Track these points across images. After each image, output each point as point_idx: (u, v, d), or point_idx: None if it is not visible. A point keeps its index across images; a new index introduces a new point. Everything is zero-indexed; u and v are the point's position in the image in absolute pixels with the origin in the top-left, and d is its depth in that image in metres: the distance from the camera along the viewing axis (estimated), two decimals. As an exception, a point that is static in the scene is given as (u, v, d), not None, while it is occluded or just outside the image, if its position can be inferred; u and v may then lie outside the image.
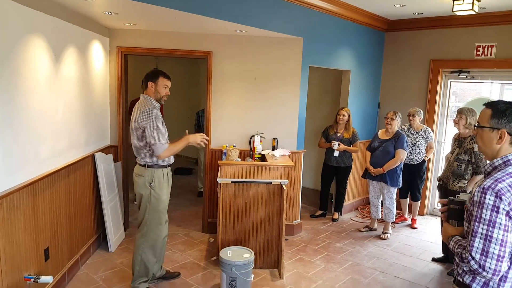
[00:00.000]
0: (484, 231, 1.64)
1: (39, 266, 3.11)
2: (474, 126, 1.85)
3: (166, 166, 3.47)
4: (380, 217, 5.30)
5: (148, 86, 3.40)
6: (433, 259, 4.52)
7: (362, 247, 4.84)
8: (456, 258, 1.83)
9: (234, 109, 4.85)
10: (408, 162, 5.30)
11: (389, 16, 5.80)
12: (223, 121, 4.85)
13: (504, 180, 1.65)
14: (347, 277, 4.06)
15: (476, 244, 1.66)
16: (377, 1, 4.85)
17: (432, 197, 6.11)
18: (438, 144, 5.98)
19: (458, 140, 4.16)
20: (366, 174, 5.21)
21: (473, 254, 1.66)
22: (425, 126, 5.43)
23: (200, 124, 6.00)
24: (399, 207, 5.74)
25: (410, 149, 5.27)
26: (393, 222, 5.41)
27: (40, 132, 3.08)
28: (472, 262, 1.66)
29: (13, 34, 2.68)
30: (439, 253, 4.57)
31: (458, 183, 4.04)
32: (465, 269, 1.75)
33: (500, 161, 1.74)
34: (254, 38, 4.72)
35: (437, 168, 5.99)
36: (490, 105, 1.79)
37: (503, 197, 1.61)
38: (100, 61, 4.35)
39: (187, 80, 8.17)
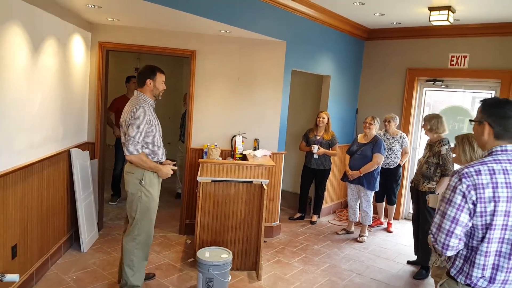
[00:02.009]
0: (442, 208, 1.79)
1: (5, 264, 2.96)
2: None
3: (157, 164, 3.34)
4: (357, 220, 5.37)
5: (146, 83, 3.29)
6: (408, 262, 4.61)
7: (339, 249, 4.88)
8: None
9: (217, 109, 4.83)
10: (384, 167, 5.41)
11: (369, 25, 5.95)
12: (205, 120, 4.81)
13: (473, 166, 1.76)
14: (324, 279, 4.06)
15: (436, 220, 1.82)
16: (358, 9, 4.95)
17: (407, 202, 6.24)
18: (413, 150, 6.13)
19: (429, 145, 4.31)
20: (344, 177, 5.29)
21: (432, 228, 1.82)
22: (400, 131, 5.58)
23: (184, 125, 5.94)
24: (375, 211, 5.83)
25: (386, 153, 5.39)
26: (369, 225, 5.49)
27: (15, 123, 2.96)
28: (430, 236, 1.82)
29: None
30: (414, 256, 4.64)
31: (427, 184, 4.17)
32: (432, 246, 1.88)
33: (486, 153, 1.86)
34: (238, 39, 4.72)
35: (411, 173, 6.13)
36: (483, 100, 1.89)
37: (463, 179, 1.73)
38: (80, 55, 4.25)
39: (170, 80, 8.06)
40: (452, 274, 1.85)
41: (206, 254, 3.55)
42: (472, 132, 2.01)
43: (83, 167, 4.23)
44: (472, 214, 1.73)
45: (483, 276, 1.77)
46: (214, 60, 4.74)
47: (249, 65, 4.81)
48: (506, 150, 1.79)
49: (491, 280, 1.77)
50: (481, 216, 1.72)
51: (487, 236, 1.74)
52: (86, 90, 4.52)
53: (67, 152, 4.00)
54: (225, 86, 4.82)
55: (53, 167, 3.71)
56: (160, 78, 3.34)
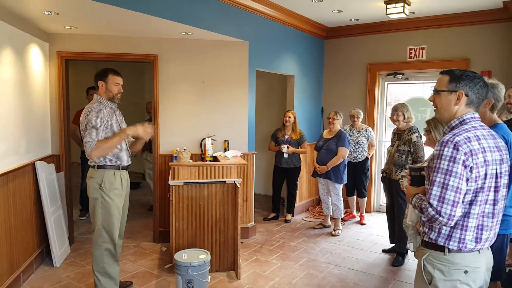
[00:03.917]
0: (442, 180, 1.78)
1: (-25, 282, 2.84)
2: (433, 91, 2.00)
3: (118, 168, 3.26)
4: (331, 213, 5.45)
5: (99, 85, 3.24)
6: (384, 251, 4.71)
7: (315, 244, 4.93)
8: (419, 223, 1.98)
9: (183, 113, 4.81)
10: (352, 160, 5.55)
11: (328, 23, 6.11)
12: (172, 125, 4.78)
13: (461, 134, 1.81)
14: (303, 273, 4.10)
15: (434, 192, 1.80)
16: (316, 7, 5.09)
17: (378, 195, 6.39)
18: (379, 144, 6.30)
19: (397, 134, 4.42)
20: (314, 173, 5.39)
21: (431, 201, 1.80)
22: (366, 125, 5.74)
23: None
24: (347, 205, 5.94)
25: (353, 147, 5.53)
26: (342, 219, 5.58)
27: (-26, 135, 2.86)
28: (430, 209, 1.79)
29: None
30: (389, 245, 4.76)
31: (400, 172, 4.28)
32: (424, 219, 1.88)
33: (457, 121, 1.91)
34: (200, 41, 4.74)
35: (380, 166, 6.30)
36: (446, 72, 1.95)
37: (460, 148, 1.76)
38: (39, 66, 4.14)
39: (131, 88, 7.97)
40: (441, 243, 1.87)
41: (183, 256, 3.51)
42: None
43: (49, 180, 4.10)
44: (467, 181, 1.78)
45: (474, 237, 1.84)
46: (177, 64, 4.73)
47: (213, 67, 4.83)
48: (474, 117, 1.89)
49: (477, 240, 1.85)
50: (476, 181, 1.79)
51: (478, 199, 1.81)
52: (47, 101, 4.40)
53: (32, 165, 3.87)
54: (190, 90, 4.82)
55: (18, 181, 3.58)
56: (113, 80, 3.26)
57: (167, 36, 4.59)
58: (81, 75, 6.82)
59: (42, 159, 4.12)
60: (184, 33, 4.42)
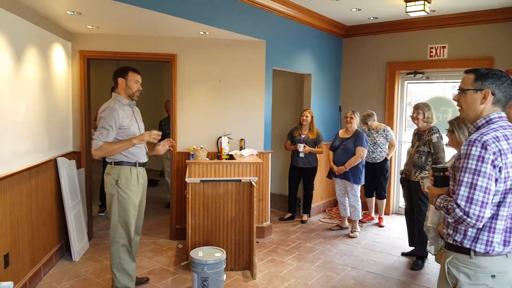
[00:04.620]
0: (470, 180, 1.73)
1: (-2, 273, 2.94)
2: (458, 90, 1.95)
3: (135, 164, 3.31)
4: (349, 215, 5.39)
5: (119, 82, 3.29)
6: (403, 254, 4.61)
7: (332, 245, 4.89)
8: (443, 224, 1.91)
9: (200, 112, 4.85)
10: (370, 161, 5.47)
11: (346, 22, 6.05)
12: (190, 123, 4.83)
13: (489, 133, 1.76)
14: (320, 274, 4.07)
15: (461, 192, 1.74)
16: (334, 5, 5.05)
17: (397, 196, 6.29)
18: (399, 144, 6.20)
19: (418, 134, 4.35)
20: (330, 174, 5.33)
21: (458, 201, 1.74)
22: (384, 125, 5.63)
23: (163, 134, 5.92)
24: (365, 207, 5.86)
25: (372, 148, 5.45)
26: (360, 221, 5.52)
27: (0, 132, 2.95)
28: (458, 210, 1.74)
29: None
30: (408, 248, 4.65)
31: (420, 173, 4.20)
32: (450, 220, 1.82)
33: (483, 121, 1.86)
34: (217, 40, 4.77)
35: (399, 167, 6.19)
36: (471, 71, 1.91)
37: (488, 147, 1.72)
38: (62, 65, 4.25)
39: (149, 87, 8.08)
40: (466, 246, 1.82)
41: (199, 253, 3.54)
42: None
43: (70, 176, 4.21)
44: (496, 181, 1.73)
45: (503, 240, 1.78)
46: (195, 63, 4.78)
47: (230, 66, 4.86)
48: (502, 117, 1.85)
49: (505, 243, 1.80)
50: (505, 182, 1.74)
51: (507, 200, 1.76)
52: (69, 99, 4.52)
53: (54, 161, 3.98)
54: (207, 89, 4.86)
55: (41, 176, 3.68)
56: (133, 77, 3.31)
57: (185, 35, 4.64)
58: (104, 74, 6.94)
59: (64, 155, 4.22)
60: (202, 33, 4.46)
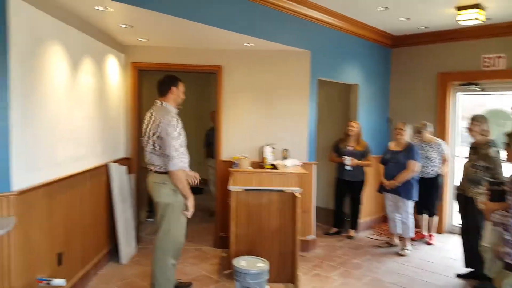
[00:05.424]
0: None
1: (52, 270, 3.10)
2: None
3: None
4: (399, 232, 5.13)
5: (172, 91, 3.33)
6: (458, 275, 4.31)
7: (380, 263, 4.69)
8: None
9: (244, 121, 4.92)
10: (422, 176, 5.20)
11: (394, 32, 5.93)
12: (234, 133, 4.91)
13: None
14: (366, 291, 3.93)
15: None
16: (381, 15, 4.96)
17: (451, 214, 5.95)
18: (452, 159, 5.88)
19: (474, 148, 4.14)
20: (380, 188, 5.15)
21: None
22: (437, 138, 5.38)
23: (209, 143, 6.05)
24: (417, 225, 5.54)
25: (423, 162, 5.21)
26: (411, 239, 5.22)
27: (58, 136, 3.16)
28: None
29: (36, 40, 2.82)
30: (464, 269, 4.34)
31: (476, 189, 3.97)
32: (508, 237, 1.74)
33: None
34: (262, 51, 4.84)
35: (453, 182, 5.86)
36: None
37: None
38: (115, 75, 4.49)
39: (194, 99, 8.31)
40: None
41: (242, 263, 3.53)
42: None
43: (121, 181, 4.39)
44: None
45: None
46: (240, 74, 4.87)
47: (274, 76, 4.91)
48: None
49: None
50: None
51: None
52: (121, 108, 4.75)
53: (106, 166, 4.18)
54: (251, 99, 4.93)
55: (94, 180, 3.88)
56: (182, 87, 3.42)
57: (231, 47, 4.75)
58: (149, 83, 7.21)
59: (116, 161, 4.43)
60: (247, 44, 4.54)
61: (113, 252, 4.43)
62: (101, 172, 4.08)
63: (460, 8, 4.50)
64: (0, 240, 2.50)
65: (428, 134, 5.31)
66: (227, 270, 4.15)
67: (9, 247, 2.55)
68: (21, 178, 2.65)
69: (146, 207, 6.01)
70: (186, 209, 3.35)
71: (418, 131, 5.28)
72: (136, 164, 4.85)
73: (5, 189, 2.52)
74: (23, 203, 2.66)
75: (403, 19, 5.13)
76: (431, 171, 5.25)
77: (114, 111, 4.50)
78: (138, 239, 4.94)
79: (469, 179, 4.03)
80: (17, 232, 2.60)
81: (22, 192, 2.63)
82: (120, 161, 4.59)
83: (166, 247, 3.33)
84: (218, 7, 3.79)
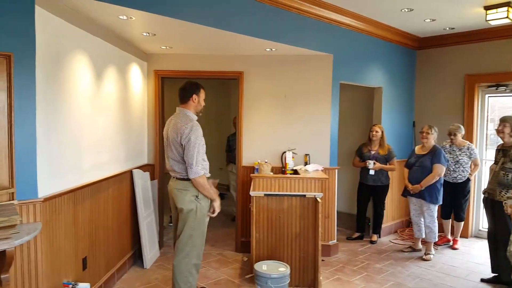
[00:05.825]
0: None
1: (77, 274, 3.18)
2: None
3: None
4: (423, 236, 5.06)
5: (192, 98, 3.32)
6: (483, 280, 4.23)
7: (403, 267, 4.62)
8: None
9: (265, 127, 4.92)
10: (451, 181, 5.11)
11: (419, 33, 5.80)
12: (255, 138, 4.92)
13: None
14: (389, 296, 3.87)
15: None
16: (406, 16, 4.88)
17: (477, 218, 5.79)
18: (480, 162, 5.70)
19: (502, 150, 4.01)
20: (405, 192, 5.06)
21: None
22: (468, 142, 5.22)
23: (230, 148, 6.08)
24: (441, 229, 5.45)
25: (453, 167, 5.09)
26: (435, 243, 5.14)
27: (82, 144, 3.24)
28: None
29: (61, 50, 2.90)
30: (489, 274, 4.27)
31: (506, 193, 3.84)
32: None
33: None
34: (283, 56, 4.83)
35: (479, 186, 5.71)
36: None
37: None
38: (138, 83, 4.58)
39: (217, 105, 8.39)
40: None
41: (263, 267, 3.55)
42: None
43: (144, 187, 4.47)
44: None
45: None
46: (261, 79, 4.88)
47: (295, 81, 4.89)
48: None
49: None
50: None
51: None
52: (145, 115, 4.83)
53: (130, 173, 4.26)
54: (273, 104, 4.92)
55: (117, 186, 3.96)
56: (203, 94, 3.41)
57: (252, 53, 4.77)
58: (171, 90, 7.32)
59: (139, 168, 4.50)
60: (268, 49, 4.54)
61: (137, 257, 4.52)
62: (125, 178, 4.16)
63: (488, 8, 4.37)
64: (28, 245, 2.59)
65: (461, 138, 5.17)
66: (249, 275, 4.16)
67: (36, 252, 2.64)
68: (47, 185, 2.73)
69: (169, 212, 6.10)
70: (213, 210, 3.39)
71: (451, 133, 5.15)
72: (159, 170, 4.92)
73: (32, 195, 2.61)
74: (49, 209, 2.75)
75: (429, 20, 5.02)
76: (460, 176, 5.12)
77: (137, 118, 4.58)
78: (161, 244, 5.01)
79: (498, 182, 3.91)
80: (44, 238, 2.68)
81: (48, 199, 2.71)
82: (143, 168, 4.67)
83: (188, 252, 3.34)
84: (241, 14, 3.81)
